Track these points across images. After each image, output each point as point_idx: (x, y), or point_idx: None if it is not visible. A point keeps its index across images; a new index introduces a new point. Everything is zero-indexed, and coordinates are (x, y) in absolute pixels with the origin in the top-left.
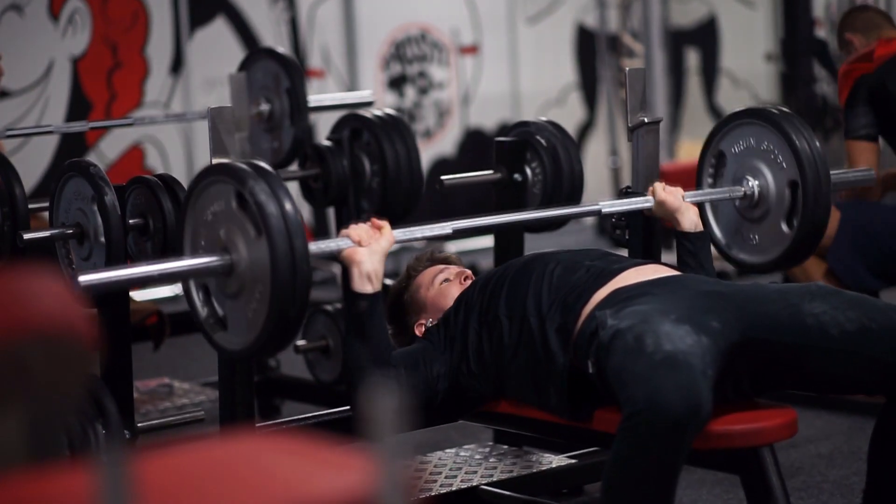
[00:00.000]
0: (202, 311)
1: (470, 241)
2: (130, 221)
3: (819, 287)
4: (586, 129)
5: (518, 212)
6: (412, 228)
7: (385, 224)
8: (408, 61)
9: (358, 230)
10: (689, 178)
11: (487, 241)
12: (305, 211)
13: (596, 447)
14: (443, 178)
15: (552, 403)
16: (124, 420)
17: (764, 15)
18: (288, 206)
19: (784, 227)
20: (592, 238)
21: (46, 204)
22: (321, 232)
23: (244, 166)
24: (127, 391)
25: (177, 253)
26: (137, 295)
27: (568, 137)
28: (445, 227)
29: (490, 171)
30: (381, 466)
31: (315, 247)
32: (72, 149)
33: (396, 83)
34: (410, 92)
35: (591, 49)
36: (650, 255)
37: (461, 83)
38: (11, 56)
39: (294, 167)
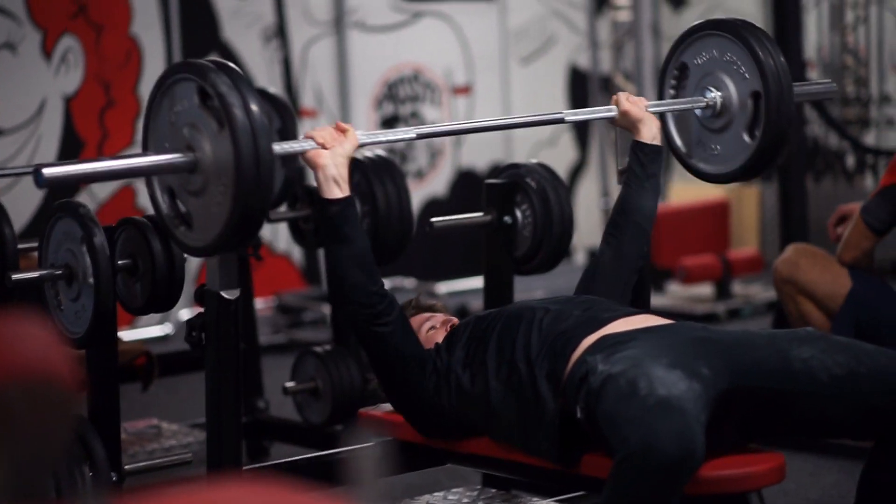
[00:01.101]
0: (166, 210)
1: (460, 281)
2: (119, 262)
3: (808, 332)
4: (578, 169)
5: (479, 120)
6: (376, 132)
7: (349, 127)
8: (400, 101)
9: (322, 132)
10: (681, 222)
11: (477, 282)
12: (296, 252)
13: (584, 491)
14: (433, 219)
15: (542, 448)
16: (111, 462)
17: None
18: (251, 100)
19: (746, 138)
20: None
21: (36, 244)
22: (312, 274)
23: (207, 62)
24: (114, 432)
25: (167, 291)
26: (126, 335)
27: (558, 180)
28: (409, 132)
29: (480, 214)
30: None
31: (279, 147)
32: (63, 189)
33: (389, 123)
34: None
35: (583, 90)
36: (640, 302)
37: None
38: (4, 94)
39: (284, 208)
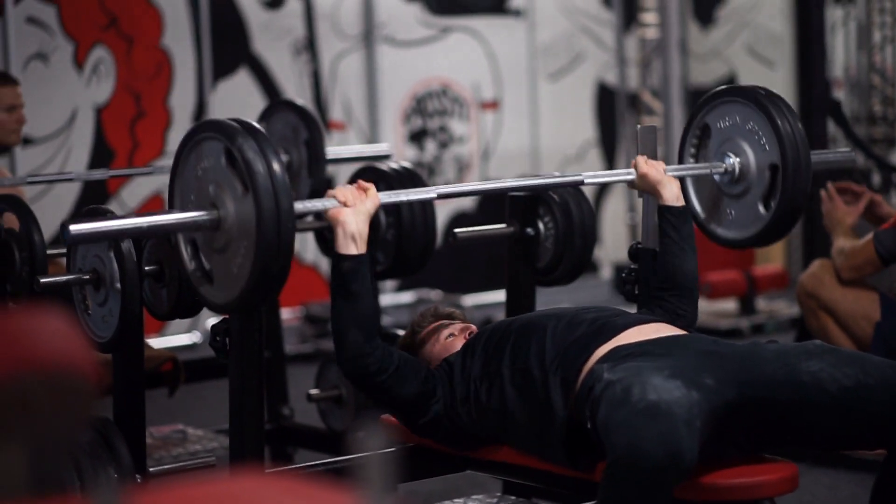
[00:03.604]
0: (190, 265)
1: (483, 295)
2: (146, 268)
3: (816, 345)
4: (605, 185)
5: (501, 180)
6: (398, 192)
7: (371, 186)
8: (428, 115)
9: (344, 191)
10: (704, 240)
11: (500, 295)
12: (323, 263)
13: None
14: (456, 230)
15: (554, 455)
16: (136, 463)
17: (783, 75)
18: (275, 165)
19: (761, 208)
20: (608, 292)
21: (65, 250)
22: None
23: (234, 124)
24: (139, 435)
25: (192, 299)
26: (155, 343)
27: (581, 193)
28: (430, 192)
29: (503, 225)
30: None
31: (301, 205)
32: (93, 196)
33: (417, 137)
34: (431, 146)
35: (611, 106)
36: None
37: (481, 138)
38: (36, 104)
39: (310, 218)
